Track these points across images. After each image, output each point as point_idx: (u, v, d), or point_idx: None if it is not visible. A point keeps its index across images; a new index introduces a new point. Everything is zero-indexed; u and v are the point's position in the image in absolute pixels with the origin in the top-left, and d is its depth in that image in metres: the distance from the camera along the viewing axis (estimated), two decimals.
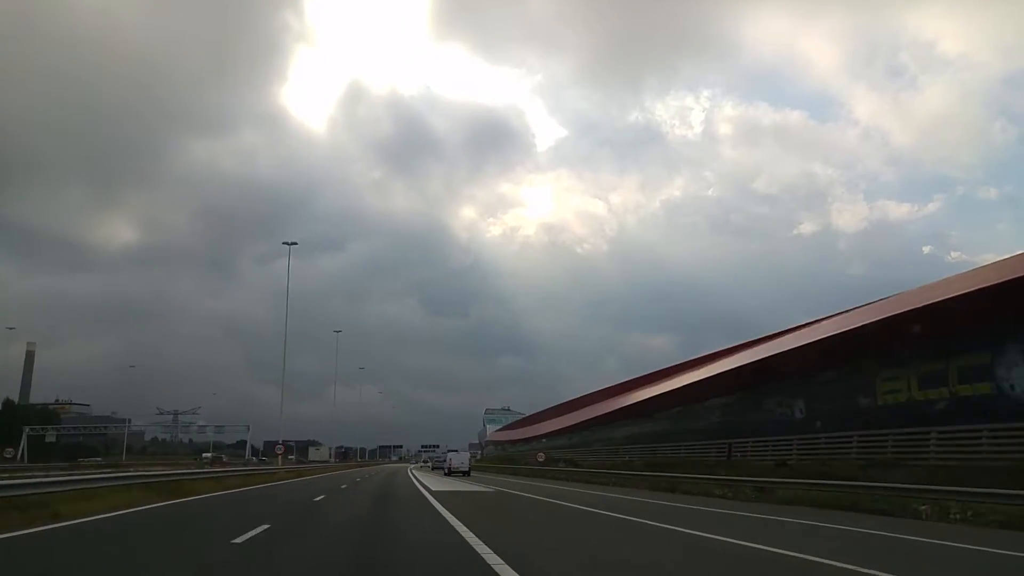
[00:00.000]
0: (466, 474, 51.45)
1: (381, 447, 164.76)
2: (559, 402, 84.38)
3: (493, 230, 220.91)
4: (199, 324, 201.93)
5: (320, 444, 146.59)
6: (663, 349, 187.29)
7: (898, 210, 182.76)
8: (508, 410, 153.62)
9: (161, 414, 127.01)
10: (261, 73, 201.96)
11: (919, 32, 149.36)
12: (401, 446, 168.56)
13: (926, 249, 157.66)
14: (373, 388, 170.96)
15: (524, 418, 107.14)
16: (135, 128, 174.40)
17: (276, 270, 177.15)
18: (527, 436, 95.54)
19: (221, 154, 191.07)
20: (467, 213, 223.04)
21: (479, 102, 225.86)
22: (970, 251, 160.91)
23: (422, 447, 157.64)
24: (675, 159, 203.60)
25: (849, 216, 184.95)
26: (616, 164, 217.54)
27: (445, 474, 52.50)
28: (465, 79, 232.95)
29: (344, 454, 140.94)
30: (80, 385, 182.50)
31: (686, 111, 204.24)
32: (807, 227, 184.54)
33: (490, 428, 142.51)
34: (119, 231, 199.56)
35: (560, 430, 76.44)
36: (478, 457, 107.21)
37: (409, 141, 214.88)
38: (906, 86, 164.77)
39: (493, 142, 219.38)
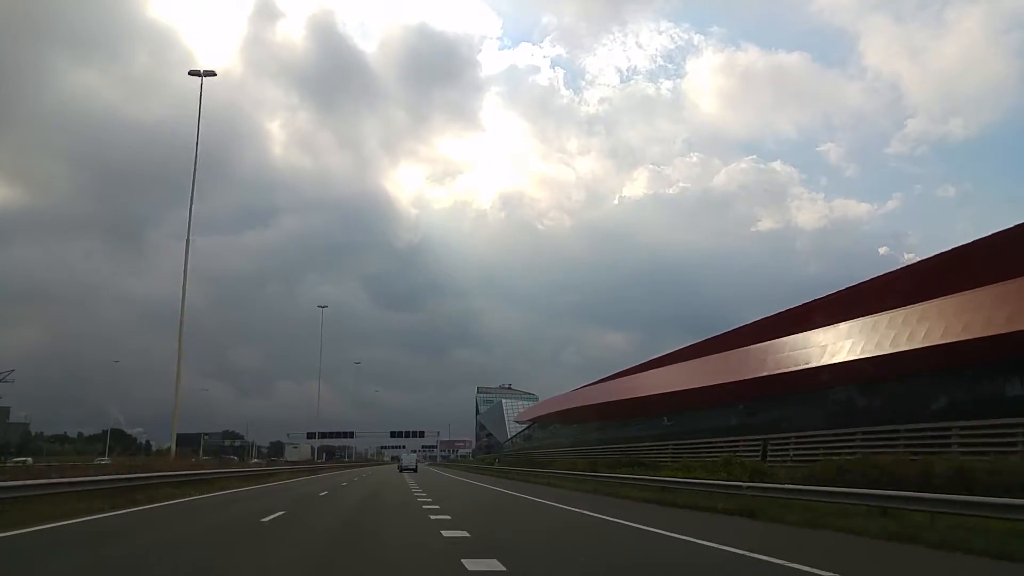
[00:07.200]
0: (414, 471, 56.77)
1: (311, 433, 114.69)
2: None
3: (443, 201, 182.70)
4: (107, 307, 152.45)
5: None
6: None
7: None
8: (509, 387, 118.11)
9: None
10: None
11: None
12: (352, 434, 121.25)
13: None
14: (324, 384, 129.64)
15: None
16: None
17: (199, 248, 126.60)
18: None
19: (104, 85, 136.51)
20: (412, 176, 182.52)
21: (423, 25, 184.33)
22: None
23: (391, 435, 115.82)
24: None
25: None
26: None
27: (400, 471, 56.81)
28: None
29: (331, 453, 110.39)
30: None
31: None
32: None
33: (510, 408, 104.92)
34: None
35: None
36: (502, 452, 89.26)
37: (348, 77, 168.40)
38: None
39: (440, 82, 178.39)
